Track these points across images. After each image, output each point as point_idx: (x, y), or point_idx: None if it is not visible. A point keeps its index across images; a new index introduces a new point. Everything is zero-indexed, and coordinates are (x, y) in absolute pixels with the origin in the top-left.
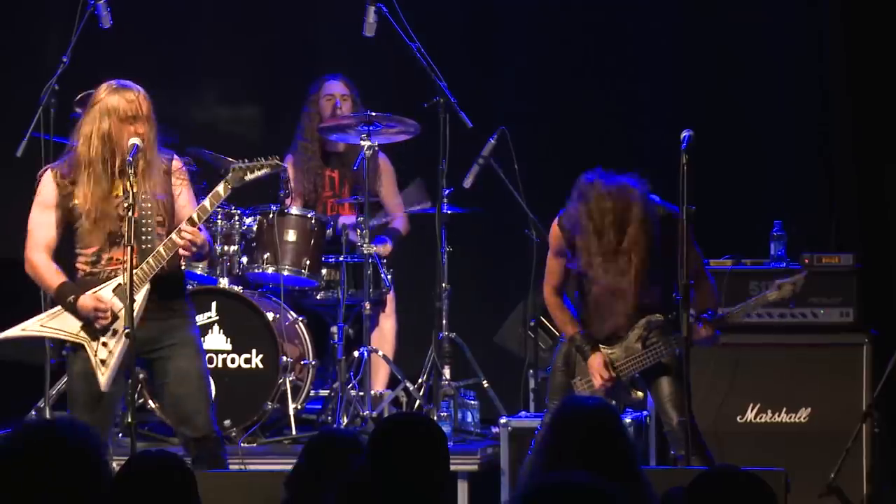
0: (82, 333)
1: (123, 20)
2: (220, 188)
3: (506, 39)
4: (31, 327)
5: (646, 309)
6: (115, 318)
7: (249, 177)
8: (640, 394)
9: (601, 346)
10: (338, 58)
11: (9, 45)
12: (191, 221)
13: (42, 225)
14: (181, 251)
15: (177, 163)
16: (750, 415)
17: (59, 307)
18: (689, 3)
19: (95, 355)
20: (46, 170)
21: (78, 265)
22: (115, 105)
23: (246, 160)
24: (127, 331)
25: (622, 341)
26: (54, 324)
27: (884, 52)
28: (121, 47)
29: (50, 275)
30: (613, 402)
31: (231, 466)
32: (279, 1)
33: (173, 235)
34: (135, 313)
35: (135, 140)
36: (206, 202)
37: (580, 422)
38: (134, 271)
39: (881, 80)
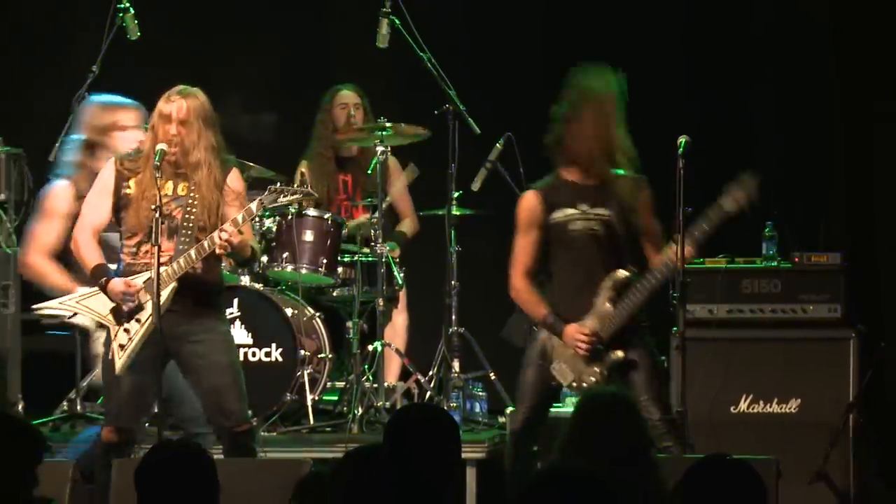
0: (109, 316)
1: (151, 32)
2: (254, 206)
3: (512, 50)
4: (67, 302)
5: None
6: (140, 307)
7: (282, 200)
8: (620, 353)
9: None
10: (352, 68)
11: (43, 55)
12: (230, 224)
13: (95, 207)
14: (217, 250)
15: (233, 181)
16: (743, 405)
17: (95, 288)
18: (686, 13)
19: (115, 339)
20: (111, 159)
21: (122, 255)
22: (161, 107)
23: (281, 184)
24: (150, 321)
25: (592, 310)
26: (88, 302)
27: (873, 60)
28: (149, 58)
29: (89, 254)
30: (598, 370)
31: None
32: (297, 15)
33: (207, 239)
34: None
35: (161, 145)
36: (239, 217)
37: (598, 411)
38: (164, 268)
39: (870, 90)
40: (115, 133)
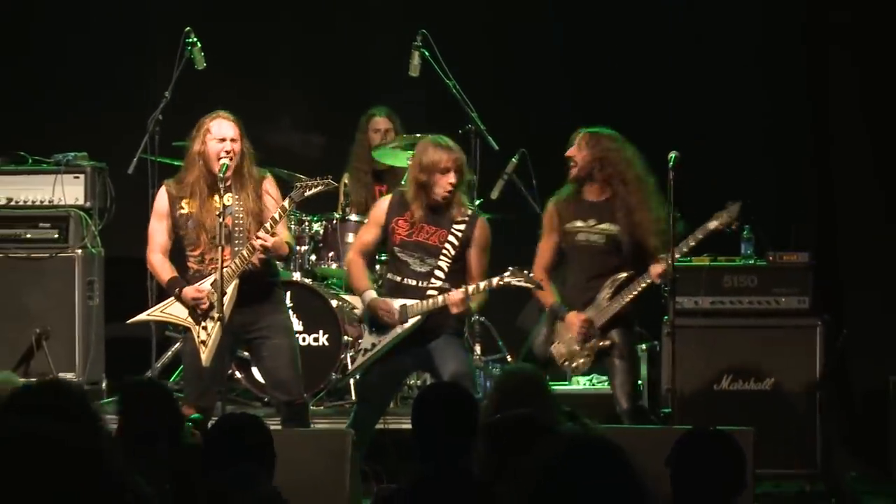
0: (189, 318)
1: (216, 62)
2: (286, 202)
3: (526, 77)
4: (154, 313)
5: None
6: (212, 306)
7: (308, 193)
8: (607, 342)
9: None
10: (388, 92)
11: (122, 83)
12: (263, 229)
13: (158, 231)
14: (256, 253)
15: (267, 184)
16: (724, 383)
17: (172, 297)
18: (672, 39)
19: (198, 336)
20: (162, 185)
21: (189, 264)
22: (212, 132)
23: (306, 179)
24: (218, 316)
25: (593, 304)
26: (171, 310)
27: (849, 88)
28: (213, 84)
29: (163, 271)
30: (587, 353)
31: None
32: (341, 46)
33: (249, 242)
34: (226, 302)
35: (224, 160)
36: (276, 214)
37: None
38: (225, 269)
39: (840, 115)
40: (436, 175)
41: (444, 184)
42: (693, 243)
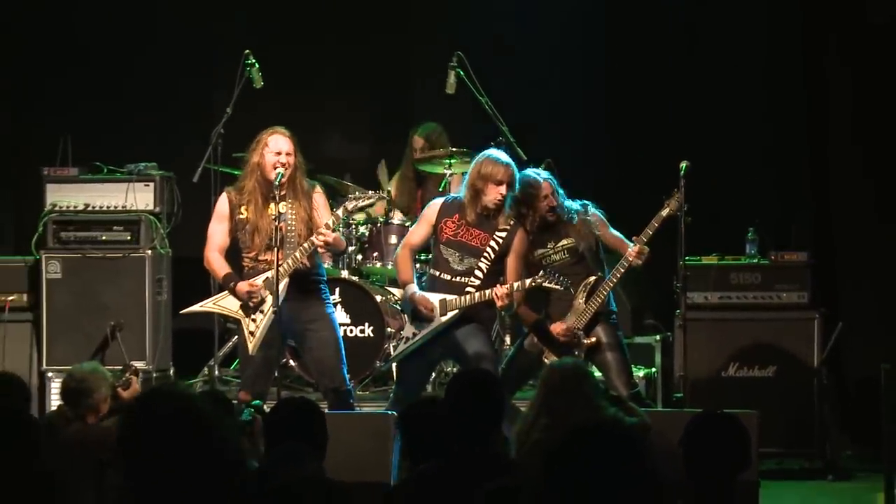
0: (240, 311)
1: (272, 81)
2: (339, 211)
3: (551, 98)
4: (207, 305)
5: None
6: (262, 301)
7: (361, 204)
8: (592, 340)
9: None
10: (427, 108)
11: (188, 100)
12: (325, 226)
13: (217, 232)
14: (319, 249)
15: (317, 195)
16: (731, 370)
17: (225, 291)
18: (672, 39)
19: (247, 328)
20: (224, 191)
21: (243, 263)
22: (270, 145)
23: (357, 192)
24: (272, 309)
25: (572, 310)
26: (223, 303)
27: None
28: (271, 100)
29: (219, 267)
30: (576, 354)
31: None
32: (386, 67)
33: (307, 241)
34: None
35: (279, 170)
36: (329, 221)
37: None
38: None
39: (837, 120)
40: (490, 185)
41: (496, 193)
42: (651, 232)
